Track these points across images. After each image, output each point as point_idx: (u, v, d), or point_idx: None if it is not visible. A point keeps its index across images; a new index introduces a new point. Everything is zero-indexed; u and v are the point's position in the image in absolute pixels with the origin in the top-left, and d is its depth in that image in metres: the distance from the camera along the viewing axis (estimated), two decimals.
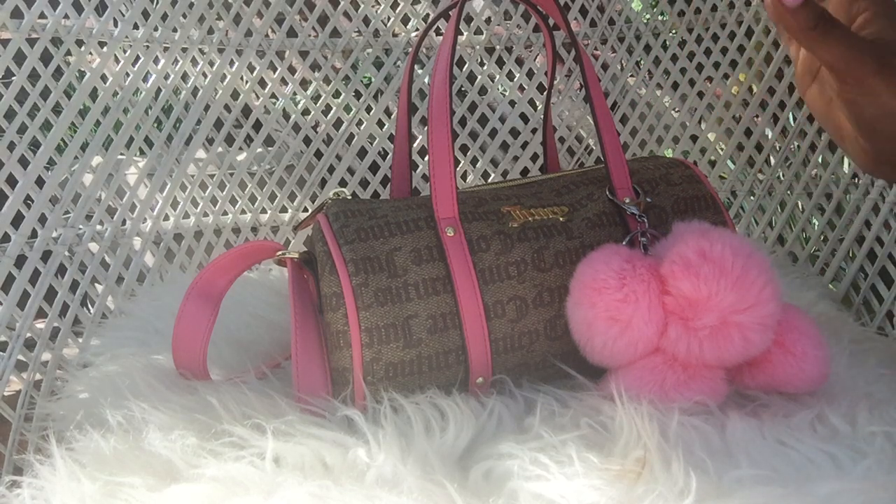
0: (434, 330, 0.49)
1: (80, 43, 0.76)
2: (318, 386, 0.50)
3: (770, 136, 0.96)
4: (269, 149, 0.92)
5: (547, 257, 0.52)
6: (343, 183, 0.94)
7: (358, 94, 0.93)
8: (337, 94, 0.94)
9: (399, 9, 0.94)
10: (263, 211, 0.90)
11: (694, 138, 1.01)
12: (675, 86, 0.99)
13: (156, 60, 0.82)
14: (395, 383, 0.49)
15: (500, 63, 0.99)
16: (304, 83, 0.94)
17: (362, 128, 0.93)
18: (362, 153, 0.94)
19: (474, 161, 0.99)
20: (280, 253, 0.53)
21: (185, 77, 0.85)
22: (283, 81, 0.91)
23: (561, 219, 0.53)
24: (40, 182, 0.73)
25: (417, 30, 0.94)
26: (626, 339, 0.46)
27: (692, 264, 0.46)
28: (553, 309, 0.51)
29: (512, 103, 1.00)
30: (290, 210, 0.92)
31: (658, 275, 0.47)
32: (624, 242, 0.52)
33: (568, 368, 0.51)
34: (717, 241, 0.47)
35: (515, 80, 0.99)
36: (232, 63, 0.87)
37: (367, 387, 0.48)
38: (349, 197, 0.57)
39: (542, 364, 0.52)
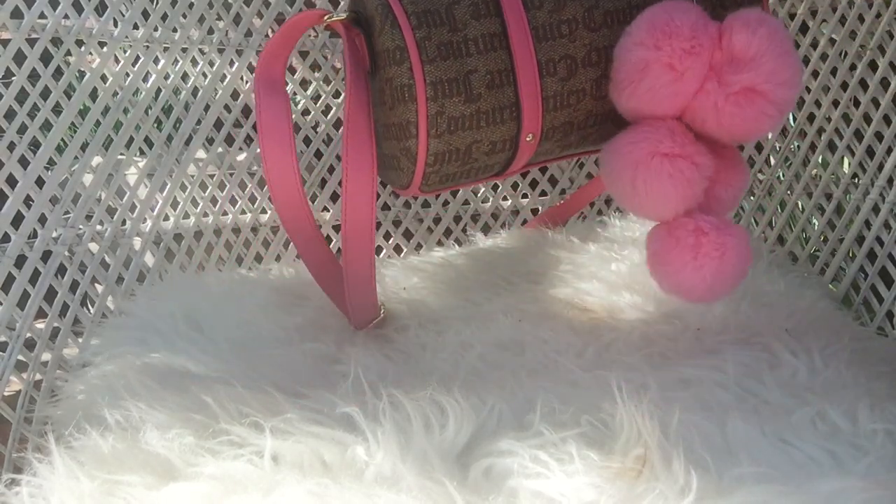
0: (492, 85, 0.51)
1: (80, 43, 0.76)
2: (365, 149, 0.52)
3: (770, 137, 0.96)
4: None
5: (597, 16, 0.52)
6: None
7: None
8: (337, 95, 0.94)
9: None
10: (263, 211, 0.90)
11: None
12: None
13: (156, 60, 0.82)
14: (457, 137, 0.50)
15: None
16: (304, 83, 0.94)
17: None
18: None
19: None
20: (328, 17, 0.54)
21: (185, 77, 0.85)
22: None
23: None
24: (40, 182, 0.73)
25: None
26: (673, 89, 0.48)
27: (751, 23, 0.48)
28: (600, 69, 0.53)
29: None
30: None
31: (720, 40, 0.49)
32: None
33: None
34: (778, 23, 0.50)
35: None
36: (232, 63, 0.87)
37: (431, 141, 0.50)
38: None
39: (584, 123, 0.54)
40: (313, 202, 0.93)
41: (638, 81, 0.49)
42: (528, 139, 0.52)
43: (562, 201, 0.94)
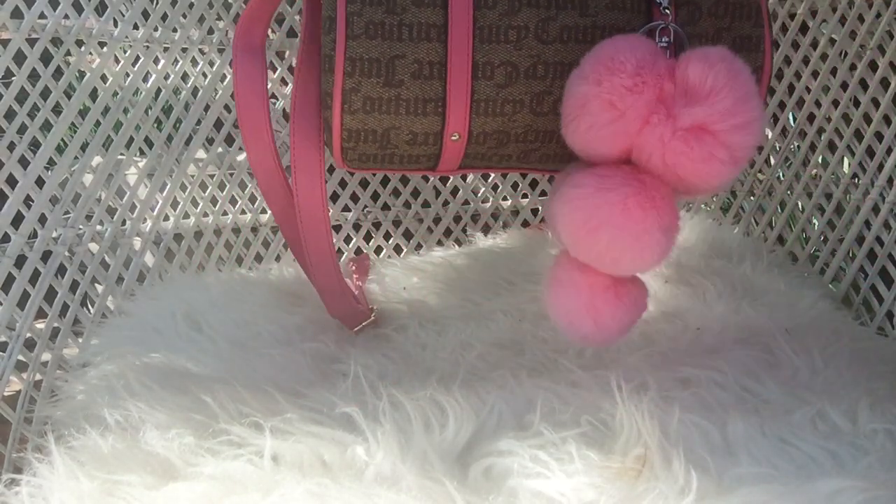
0: (418, 75, 0.50)
1: (80, 43, 0.76)
2: (312, 111, 0.53)
3: (770, 136, 0.96)
4: None
5: (552, 29, 0.50)
6: (343, 183, 0.93)
7: None
8: None
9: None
10: (263, 211, 0.90)
11: None
12: None
13: (156, 60, 0.82)
14: (372, 119, 0.50)
15: None
16: None
17: None
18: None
19: None
20: None
21: (185, 77, 0.85)
22: (283, 81, 0.91)
23: None
24: (40, 182, 0.73)
25: None
26: (613, 128, 0.45)
27: (710, 57, 0.45)
28: (544, 84, 0.51)
29: None
30: None
31: (672, 77, 0.46)
32: (640, 31, 0.50)
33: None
34: (743, 66, 0.46)
35: None
36: (232, 63, 0.87)
37: (345, 116, 0.50)
38: None
39: (522, 137, 0.52)
40: None
41: (579, 117, 0.46)
42: (453, 138, 0.51)
43: None
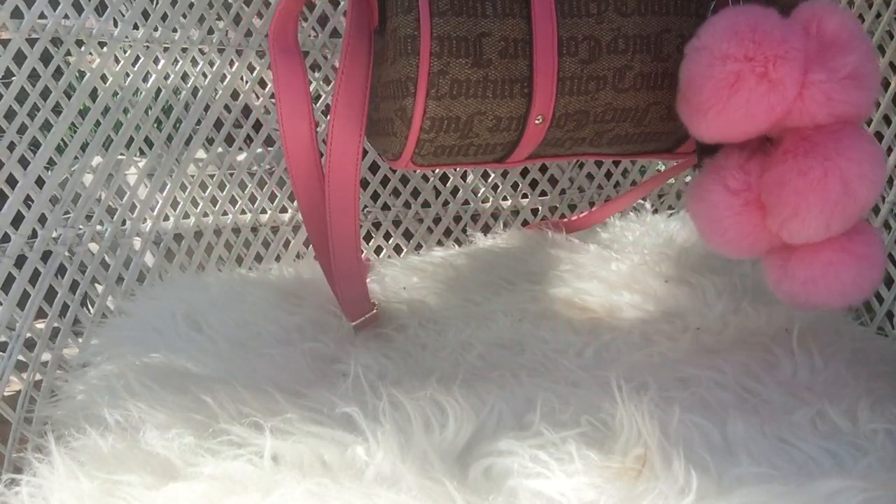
0: (504, 54, 0.47)
1: (80, 43, 0.76)
2: (356, 106, 0.51)
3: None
4: (269, 149, 0.92)
5: (630, 1, 0.49)
6: None
7: None
8: None
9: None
10: (263, 211, 0.90)
11: None
12: None
13: (156, 60, 0.82)
14: (458, 104, 0.47)
15: None
16: None
17: None
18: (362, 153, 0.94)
19: None
20: None
21: (185, 77, 0.85)
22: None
23: None
24: (40, 182, 0.73)
25: None
26: (769, 100, 0.45)
27: (835, 10, 0.46)
28: (625, 58, 0.49)
29: None
30: (290, 210, 0.92)
31: (807, 34, 0.46)
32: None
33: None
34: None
35: None
36: (232, 63, 0.87)
37: (430, 103, 0.46)
38: None
39: (601, 117, 0.50)
40: None
41: (728, 98, 0.45)
42: (536, 121, 0.48)
43: (577, 216, 0.92)
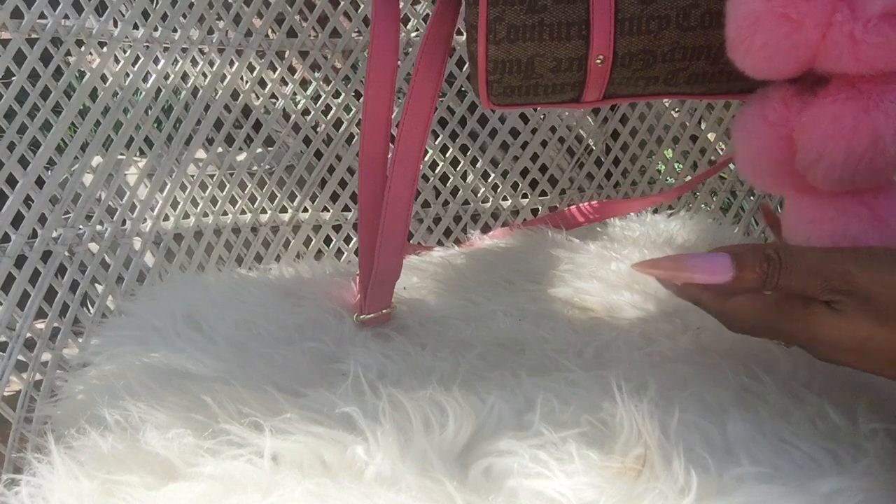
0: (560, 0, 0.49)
1: (80, 43, 0.76)
2: (438, 56, 0.55)
3: None
4: (269, 149, 0.92)
5: None
6: (343, 183, 0.94)
7: (358, 94, 0.93)
8: (337, 94, 0.94)
9: (399, 8, 0.94)
10: (263, 211, 0.90)
11: (694, 138, 1.01)
12: None
13: (156, 60, 0.82)
14: (517, 48, 0.50)
15: None
16: (304, 83, 0.94)
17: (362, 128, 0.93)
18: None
19: (474, 161, 0.99)
20: None
21: (185, 77, 0.85)
22: (283, 81, 0.91)
23: None
24: (40, 182, 0.73)
25: (417, 30, 0.94)
26: (792, 40, 0.44)
27: None
28: None
29: None
30: (289, 210, 0.92)
31: None
32: None
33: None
34: None
35: None
36: (232, 63, 0.87)
37: (490, 47, 0.50)
38: None
39: (669, 56, 0.51)
40: (313, 202, 0.93)
41: (751, 36, 0.44)
42: (597, 62, 0.50)
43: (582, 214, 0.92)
